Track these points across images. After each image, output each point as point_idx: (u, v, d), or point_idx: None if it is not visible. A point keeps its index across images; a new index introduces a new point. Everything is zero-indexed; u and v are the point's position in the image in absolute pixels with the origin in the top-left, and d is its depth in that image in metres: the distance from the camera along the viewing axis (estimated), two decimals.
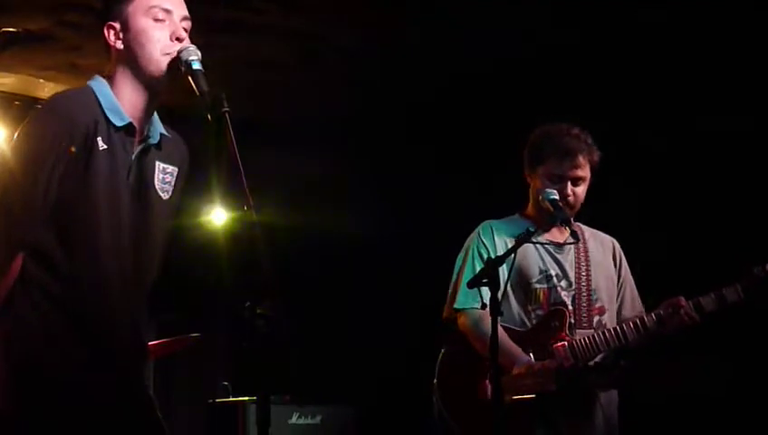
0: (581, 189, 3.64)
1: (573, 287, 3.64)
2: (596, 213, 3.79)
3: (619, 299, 3.76)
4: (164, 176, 2.71)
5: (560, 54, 5.21)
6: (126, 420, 2.60)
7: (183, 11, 2.67)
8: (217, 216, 6.50)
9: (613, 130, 4.36)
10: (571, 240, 3.61)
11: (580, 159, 3.61)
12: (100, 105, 2.59)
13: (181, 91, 2.55)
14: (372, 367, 6.57)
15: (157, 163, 2.70)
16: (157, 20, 2.61)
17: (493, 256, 3.49)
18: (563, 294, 3.63)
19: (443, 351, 3.71)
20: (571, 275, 3.66)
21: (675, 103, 5.25)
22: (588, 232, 3.80)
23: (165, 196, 2.71)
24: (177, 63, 2.56)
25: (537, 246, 3.64)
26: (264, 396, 2.29)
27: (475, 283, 3.20)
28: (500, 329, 3.14)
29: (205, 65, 2.54)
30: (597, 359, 3.59)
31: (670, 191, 5.35)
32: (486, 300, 3.10)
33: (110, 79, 2.65)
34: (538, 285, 3.63)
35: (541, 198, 3.58)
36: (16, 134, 2.58)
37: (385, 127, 6.19)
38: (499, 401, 3.07)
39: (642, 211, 5.28)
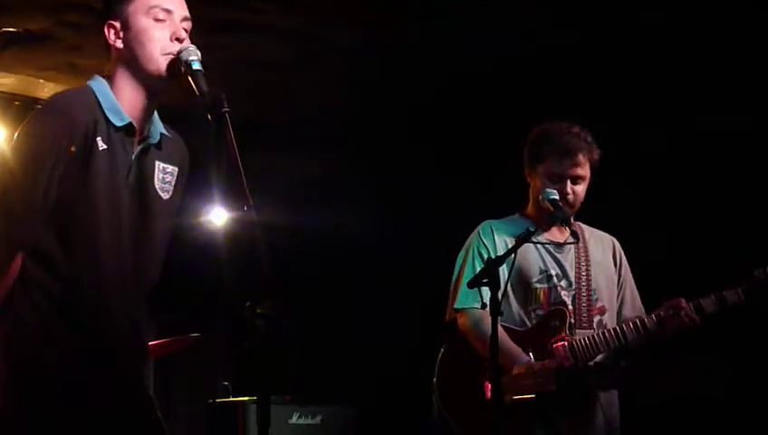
0: (581, 188, 3.64)
1: (573, 287, 3.64)
2: (596, 213, 3.79)
3: (620, 299, 3.76)
4: (164, 175, 2.71)
5: (560, 54, 5.21)
6: (126, 420, 2.60)
7: (184, 11, 2.67)
8: (217, 216, 6.50)
9: (613, 130, 4.36)
10: (571, 240, 3.61)
11: (580, 157, 3.61)
12: (100, 105, 2.59)
13: (181, 91, 2.55)
14: (372, 367, 6.57)
15: (157, 163, 2.70)
16: (157, 20, 2.61)
17: (493, 256, 3.49)
18: (563, 293, 3.63)
19: (442, 350, 3.71)
20: (571, 274, 3.66)
21: (675, 103, 5.25)
22: (588, 231, 3.79)
23: (165, 196, 2.71)
24: (177, 63, 2.56)
25: (537, 245, 3.64)
26: (264, 396, 2.29)
27: (475, 283, 3.20)
28: (500, 329, 3.14)
29: (205, 65, 2.54)
30: (597, 359, 3.59)
31: (670, 191, 5.35)
32: (486, 300, 3.10)
33: (110, 79, 2.65)
34: (538, 285, 3.63)
35: (541, 197, 3.58)
36: (16, 134, 2.58)
37: (385, 127, 6.19)
38: (499, 401, 3.07)
39: (642, 211, 5.28)
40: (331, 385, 6.43)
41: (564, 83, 5.32)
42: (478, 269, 3.47)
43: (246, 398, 5.34)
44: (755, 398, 4.92)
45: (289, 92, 5.90)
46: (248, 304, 2.25)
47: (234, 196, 2.30)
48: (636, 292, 3.79)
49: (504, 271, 3.30)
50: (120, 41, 2.63)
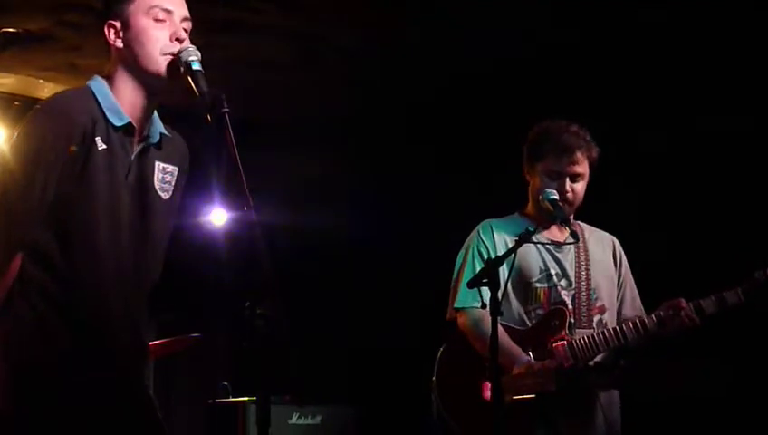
0: (580, 186, 3.64)
1: (573, 286, 3.64)
2: (596, 213, 3.79)
3: (620, 298, 3.76)
4: (164, 175, 2.71)
5: (560, 54, 5.21)
6: (126, 420, 2.60)
7: (184, 11, 2.67)
8: (217, 216, 6.50)
9: (613, 130, 4.36)
10: (571, 240, 3.61)
11: (579, 155, 3.61)
12: (99, 105, 2.59)
13: (181, 91, 2.55)
14: (372, 367, 6.57)
15: (156, 163, 2.70)
16: (157, 20, 2.61)
17: (493, 255, 3.49)
18: (563, 293, 3.63)
19: (442, 349, 3.71)
20: (571, 274, 3.66)
21: (675, 103, 5.25)
22: (588, 230, 3.80)
23: (165, 195, 2.71)
24: (177, 64, 2.56)
25: (537, 245, 3.64)
26: (264, 396, 2.29)
27: (475, 283, 3.20)
28: (500, 328, 3.14)
29: (205, 65, 2.54)
30: (597, 359, 3.59)
31: (670, 191, 5.35)
32: (486, 300, 3.10)
33: (110, 78, 2.65)
34: (538, 285, 3.63)
35: (541, 197, 3.58)
36: (15, 133, 2.58)
37: (385, 127, 6.19)
38: (499, 401, 3.07)
39: (642, 211, 5.28)
40: (331, 385, 6.43)
41: (564, 83, 5.32)
42: (478, 268, 3.47)
43: (246, 398, 5.34)
44: (755, 398, 4.92)
45: (289, 92, 5.90)
46: (248, 304, 2.25)
47: (234, 196, 2.30)
48: (636, 291, 3.79)
49: (504, 270, 3.30)
50: (119, 40, 2.63)
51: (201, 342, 5.00)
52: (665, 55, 5.11)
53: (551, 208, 3.53)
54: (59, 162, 2.50)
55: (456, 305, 3.66)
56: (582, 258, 3.68)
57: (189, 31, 2.65)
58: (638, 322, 3.54)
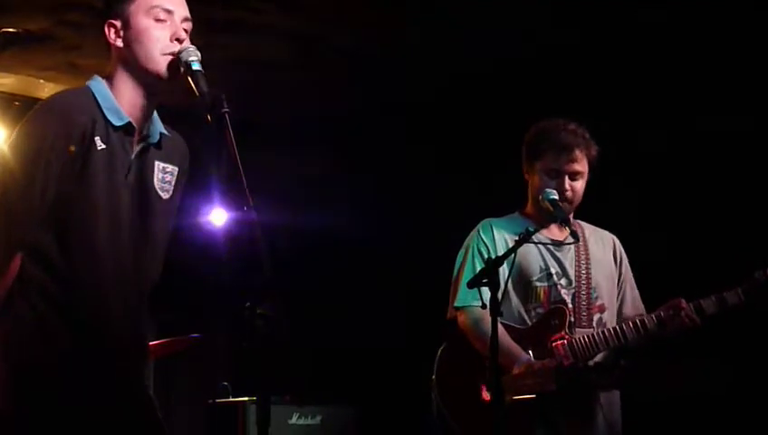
0: (580, 185, 3.64)
1: (573, 285, 3.64)
2: (596, 213, 3.79)
3: (620, 296, 3.76)
4: (164, 175, 2.71)
5: (560, 54, 5.21)
6: (126, 420, 2.60)
7: (184, 12, 2.67)
8: (217, 216, 6.50)
9: (613, 130, 4.36)
10: (571, 239, 3.61)
11: (577, 153, 3.61)
12: (99, 105, 2.59)
13: (181, 91, 2.55)
14: (372, 367, 6.57)
15: (156, 163, 2.70)
16: (158, 20, 2.61)
17: (493, 255, 3.49)
18: (563, 292, 3.63)
19: (442, 347, 3.71)
20: (571, 273, 3.66)
21: (675, 103, 5.25)
22: (588, 229, 3.80)
23: (165, 195, 2.71)
24: (177, 64, 2.56)
25: (537, 244, 3.63)
26: (264, 396, 2.29)
27: (475, 283, 3.20)
28: (500, 327, 3.14)
29: (205, 65, 2.54)
30: (597, 358, 3.59)
31: (670, 191, 5.35)
32: (486, 300, 3.10)
33: (110, 78, 2.65)
34: (538, 283, 3.63)
35: (541, 198, 3.58)
36: (14, 133, 2.58)
37: (385, 127, 6.19)
38: (499, 401, 3.07)
39: (642, 211, 5.28)
40: (331, 385, 6.43)
41: (564, 83, 5.32)
42: (478, 267, 3.47)
43: (246, 398, 5.34)
44: (755, 398, 4.92)
45: (289, 92, 5.90)
46: (248, 304, 2.25)
47: (234, 196, 2.30)
48: (636, 290, 3.79)
49: (504, 270, 3.30)
50: (120, 40, 2.63)
51: (201, 342, 5.00)
52: (665, 55, 5.11)
53: (551, 208, 3.53)
54: (59, 162, 2.50)
55: (456, 304, 3.66)
56: (582, 257, 3.68)
57: (190, 31, 2.65)
58: (638, 321, 3.54)
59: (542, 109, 3.80)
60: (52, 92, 2.94)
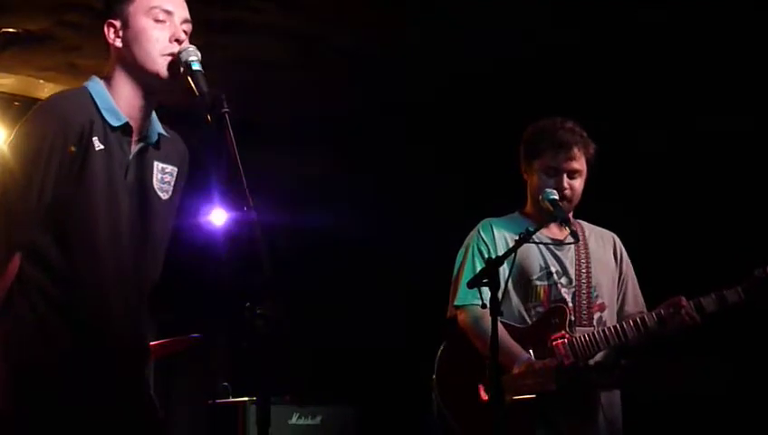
0: (578, 183, 3.64)
1: (573, 284, 3.64)
2: (596, 212, 3.79)
3: (621, 295, 3.76)
4: (163, 176, 2.71)
5: (560, 54, 5.21)
6: (126, 420, 2.60)
7: (184, 13, 2.67)
8: (217, 216, 6.50)
9: (613, 130, 4.36)
10: (571, 239, 3.61)
11: (576, 151, 3.61)
12: (96, 105, 2.59)
13: (181, 91, 2.55)
14: (372, 367, 6.57)
15: (155, 163, 2.70)
16: (157, 21, 2.61)
17: (493, 254, 3.49)
18: (563, 291, 3.63)
19: (442, 347, 3.70)
20: (572, 272, 3.66)
21: (675, 103, 5.25)
22: (588, 229, 3.80)
23: (164, 196, 2.71)
24: (177, 64, 2.56)
25: (538, 243, 3.64)
26: (264, 396, 2.29)
27: (475, 283, 3.20)
28: (500, 326, 3.14)
29: (205, 65, 2.54)
30: (597, 358, 3.58)
31: (670, 191, 5.35)
32: (486, 299, 3.10)
33: (108, 79, 2.66)
34: (539, 282, 3.63)
35: (541, 197, 3.58)
36: (13, 134, 2.58)
37: (385, 127, 6.19)
38: (499, 401, 3.07)
39: (642, 211, 5.28)
40: (331, 385, 6.43)
41: (564, 83, 5.32)
42: (478, 267, 3.47)
43: (246, 398, 5.34)
44: (755, 397, 4.92)
45: (289, 92, 5.90)
46: (248, 304, 2.25)
47: (234, 196, 2.30)
48: (638, 288, 3.78)
49: (504, 269, 3.29)
50: (119, 40, 2.63)
51: (201, 342, 5.00)
52: (665, 55, 5.11)
53: (551, 208, 3.52)
54: (55, 162, 2.50)
55: (456, 303, 3.66)
56: (582, 256, 3.68)
57: (189, 33, 2.65)
58: (638, 320, 3.54)
59: (542, 109, 3.80)
60: (52, 93, 2.94)
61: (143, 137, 2.67)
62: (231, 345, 6.74)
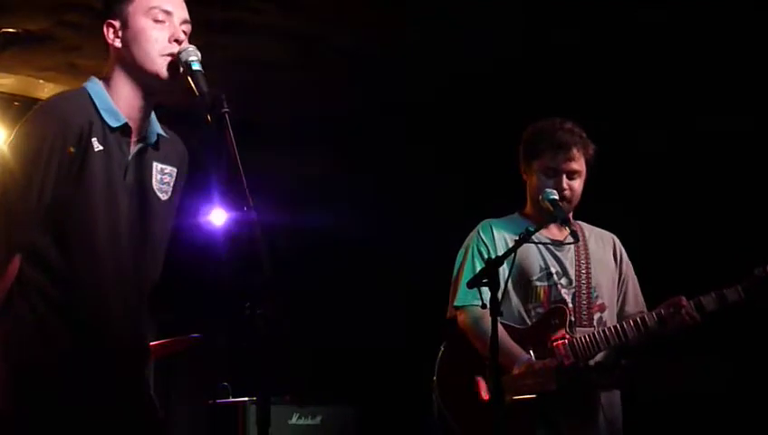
0: (578, 183, 3.64)
1: (573, 285, 3.64)
2: (596, 212, 3.79)
3: (621, 295, 3.76)
4: (162, 176, 2.71)
5: (560, 54, 5.21)
6: (126, 420, 2.60)
7: (184, 14, 2.67)
8: (217, 216, 6.50)
9: (613, 130, 4.36)
10: (571, 240, 3.61)
11: (575, 151, 3.61)
12: (95, 106, 2.59)
13: (181, 91, 2.55)
14: (372, 367, 6.57)
15: (154, 164, 2.70)
16: (157, 21, 2.61)
17: (493, 255, 3.49)
18: (563, 291, 3.63)
19: (442, 348, 3.70)
20: (572, 272, 3.66)
21: (675, 103, 5.25)
22: (588, 229, 3.80)
23: (163, 196, 2.71)
24: (177, 64, 2.56)
25: (538, 244, 3.64)
26: (264, 396, 2.29)
27: (474, 283, 3.20)
28: (500, 327, 3.14)
29: (205, 65, 2.54)
30: (598, 358, 3.58)
31: (670, 191, 5.35)
32: (486, 300, 3.10)
33: (107, 79, 2.66)
34: (538, 283, 3.63)
35: (540, 198, 3.58)
36: (12, 135, 2.58)
37: (385, 127, 6.19)
38: (499, 401, 3.07)
39: (642, 211, 5.28)
40: (331, 385, 6.43)
41: (564, 83, 5.32)
42: (478, 267, 3.47)
43: (246, 398, 5.34)
44: (755, 396, 4.92)
45: (289, 92, 5.89)
46: (248, 304, 2.25)
47: (234, 196, 2.30)
48: (638, 288, 3.79)
49: (504, 270, 3.29)
50: (118, 40, 2.63)
51: (201, 342, 5.00)
52: (665, 55, 5.11)
53: (551, 209, 3.52)
54: (54, 163, 2.50)
55: (455, 303, 3.66)
56: (582, 257, 3.68)
57: (189, 33, 2.65)
58: (638, 319, 3.54)
59: (542, 109, 3.80)
60: (52, 93, 2.95)
61: (142, 137, 2.67)
62: (231, 345, 6.73)
